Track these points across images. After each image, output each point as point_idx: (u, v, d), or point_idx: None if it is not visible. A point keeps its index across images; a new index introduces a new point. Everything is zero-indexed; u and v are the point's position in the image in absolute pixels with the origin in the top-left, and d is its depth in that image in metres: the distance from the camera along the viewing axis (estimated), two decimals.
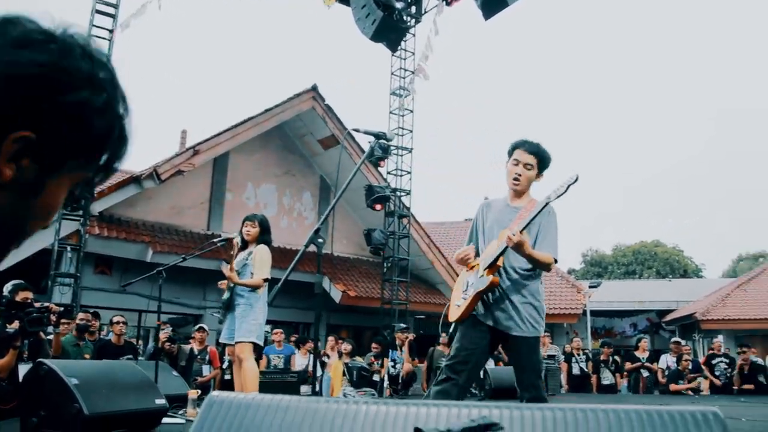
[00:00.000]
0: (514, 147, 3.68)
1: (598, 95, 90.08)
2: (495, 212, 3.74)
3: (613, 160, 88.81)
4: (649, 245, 45.95)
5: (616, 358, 12.99)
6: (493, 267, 3.47)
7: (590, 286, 18.61)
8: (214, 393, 1.78)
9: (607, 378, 12.63)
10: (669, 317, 25.13)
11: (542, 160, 3.68)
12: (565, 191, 3.31)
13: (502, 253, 3.43)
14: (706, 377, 12.68)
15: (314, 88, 14.52)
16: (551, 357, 11.56)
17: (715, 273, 48.66)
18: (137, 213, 12.94)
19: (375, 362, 10.41)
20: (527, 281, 3.54)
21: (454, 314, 3.67)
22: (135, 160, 14.68)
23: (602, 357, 12.82)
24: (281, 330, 11.01)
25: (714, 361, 12.37)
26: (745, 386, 11.47)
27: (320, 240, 4.02)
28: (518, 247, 3.32)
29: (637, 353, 12.83)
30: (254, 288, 5.62)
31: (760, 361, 12.38)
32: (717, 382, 11.91)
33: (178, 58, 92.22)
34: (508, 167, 3.70)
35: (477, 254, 3.72)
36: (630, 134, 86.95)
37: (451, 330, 3.75)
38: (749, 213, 79.64)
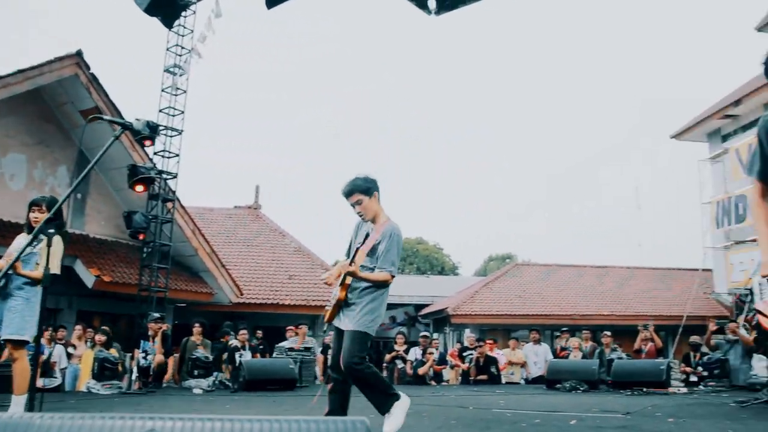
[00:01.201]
0: (343, 195, 4.49)
1: (517, 83, 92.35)
2: (362, 230, 4.60)
3: (538, 147, 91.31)
4: (411, 242, 48.72)
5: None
6: (343, 285, 4.36)
7: None
8: None
9: None
10: (424, 311, 26.84)
11: (362, 190, 4.45)
12: None
13: (345, 277, 4.34)
14: (453, 367, 13.76)
15: (79, 54, 13.35)
16: (307, 349, 11.76)
17: (470, 271, 52.93)
18: None
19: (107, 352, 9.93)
20: (367, 293, 4.36)
21: (326, 315, 4.52)
22: None
23: None
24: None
25: (465, 354, 13.52)
26: (480, 377, 12.60)
27: (50, 231, 3.74)
28: (353, 276, 4.27)
29: (396, 346, 13.55)
30: (36, 281, 5.08)
31: (498, 353, 13.66)
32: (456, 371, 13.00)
33: None
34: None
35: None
36: (553, 122, 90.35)
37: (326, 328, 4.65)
38: (503, 214, 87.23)
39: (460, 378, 13.43)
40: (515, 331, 21.20)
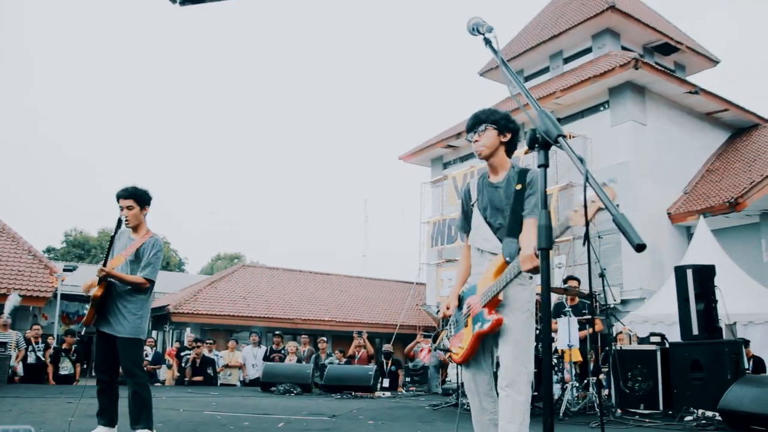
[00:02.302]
0: (117, 197, 4.68)
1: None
2: (122, 240, 4.78)
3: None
4: None
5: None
6: (100, 285, 4.49)
7: (65, 269, 17.74)
8: None
9: (66, 368, 12.21)
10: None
11: (138, 197, 4.69)
12: None
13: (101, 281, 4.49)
14: (170, 367, 13.36)
15: None
16: (2, 344, 10.55)
17: (196, 269, 51.74)
18: None
19: None
20: (131, 297, 4.55)
21: (86, 318, 4.57)
22: None
23: (65, 345, 12.36)
24: None
25: (183, 354, 13.21)
26: (196, 378, 12.37)
27: None
28: (109, 277, 4.47)
29: None
30: None
31: (217, 354, 13.52)
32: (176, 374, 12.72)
33: None
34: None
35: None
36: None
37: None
38: (237, 213, 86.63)
39: (175, 379, 13.08)
40: (238, 332, 21.17)
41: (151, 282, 4.62)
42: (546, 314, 1.82)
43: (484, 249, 3.26)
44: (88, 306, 4.60)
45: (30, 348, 11.90)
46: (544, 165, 1.80)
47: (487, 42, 2.17)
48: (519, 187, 3.16)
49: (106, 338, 4.56)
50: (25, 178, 71.84)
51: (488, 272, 3.16)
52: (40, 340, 12.26)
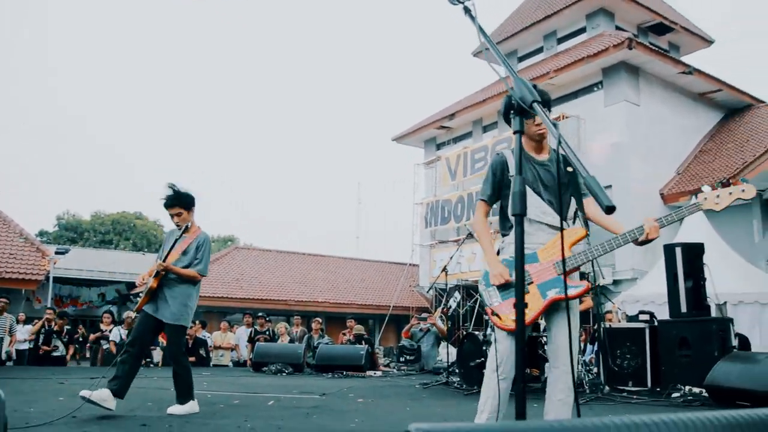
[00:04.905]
0: (165, 207, 5.16)
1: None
2: (171, 238, 5.22)
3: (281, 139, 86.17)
4: (129, 216, 46.16)
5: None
6: (156, 278, 5.01)
7: (57, 252, 17.69)
8: None
9: (58, 350, 12.23)
10: (137, 290, 25.61)
11: (183, 203, 5.15)
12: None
13: (159, 272, 5.00)
14: (163, 348, 13.36)
15: None
16: None
17: None
18: None
19: None
20: (177, 286, 5.08)
21: (139, 305, 5.10)
22: None
23: (56, 327, 12.37)
24: None
25: None
26: (189, 358, 12.36)
27: None
28: (168, 271, 5.00)
29: (103, 325, 12.91)
30: None
31: (207, 335, 13.52)
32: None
33: None
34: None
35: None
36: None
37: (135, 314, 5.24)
38: (231, 196, 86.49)
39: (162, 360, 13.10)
40: (231, 314, 21.19)
41: (202, 276, 5.16)
42: (519, 278, 1.82)
43: (542, 221, 3.29)
44: (140, 294, 5.15)
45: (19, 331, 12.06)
46: (520, 131, 1.79)
47: (467, 10, 2.13)
48: (570, 169, 3.30)
49: (149, 318, 5.08)
50: (15, 162, 71.47)
51: (556, 242, 3.21)
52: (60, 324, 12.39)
